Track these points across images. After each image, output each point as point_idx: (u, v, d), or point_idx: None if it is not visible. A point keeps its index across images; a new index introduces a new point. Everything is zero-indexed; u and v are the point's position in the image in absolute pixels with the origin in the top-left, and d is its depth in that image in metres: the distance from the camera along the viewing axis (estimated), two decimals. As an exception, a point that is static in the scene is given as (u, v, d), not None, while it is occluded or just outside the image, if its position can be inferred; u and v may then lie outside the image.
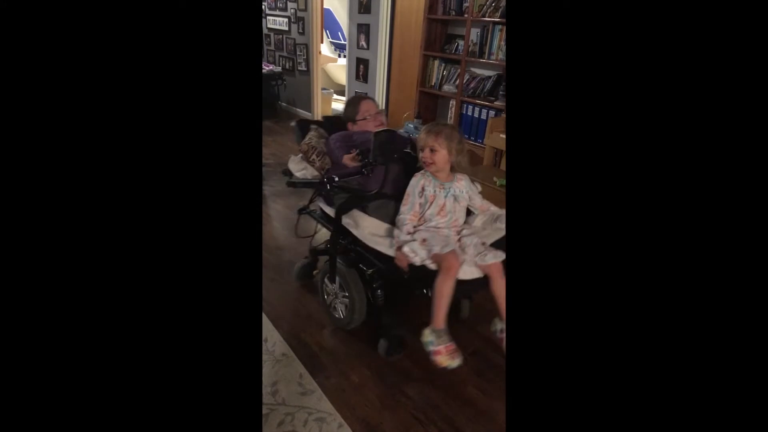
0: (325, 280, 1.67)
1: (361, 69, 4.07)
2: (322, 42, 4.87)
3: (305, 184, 1.64)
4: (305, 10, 4.48)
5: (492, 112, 2.92)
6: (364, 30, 3.89)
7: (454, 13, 3.04)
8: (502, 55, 2.80)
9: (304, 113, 5.02)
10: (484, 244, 1.37)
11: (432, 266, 1.29)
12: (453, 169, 1.47)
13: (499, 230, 1.46)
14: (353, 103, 1.78)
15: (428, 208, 1.44)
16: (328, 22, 6.11)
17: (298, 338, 1.60)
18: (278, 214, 2.65)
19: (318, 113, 4.90)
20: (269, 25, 5.12)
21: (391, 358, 1.53)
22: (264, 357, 1.49)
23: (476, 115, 3.04)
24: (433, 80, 3.34)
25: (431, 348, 1.28)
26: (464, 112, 3.11)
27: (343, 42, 5.62)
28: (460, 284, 1.28)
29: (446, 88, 3.23)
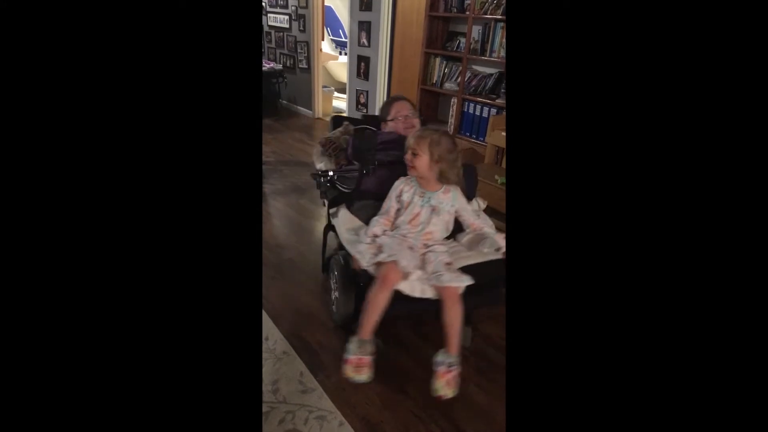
0: (328, 273, 1.69)
1: (362, 66, 4.05)
2: (323, 39, 4.87)
3: (322, 176, 1.65)
4: (306, 7, 4.47)
5: (494, 110, 2.91)
6: (365, 27, 3.87)
7: (455, 10, 3.03)
8: (503, 53, 2.79)
9: (304, 111, 5.02)
10: (448, 264, 1.28)
11: (373, 272, 1.25)
12: (442, 179, 1.37)
13: (481, 255, 1.35)
14: (388, 104, 1.79)
15: (402, 214, 1.38)
16: (329, 19, 6.10)
17: (298, 336, 1.60)
18: (279, 212, 2.65)
19: (319, 111, 4.89)
20: (270, 23, 5.10)
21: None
22: (265, 355, 1.49)
23: (478, 113, 3.03)
24: (435, 78, 3.33)
25: (346, 356, 1.26)
26: (466, 110, 3.10)
27: (344, 39, 5.61)
28: (407, 301, 1.24)
29: (448, 85, 3.22)
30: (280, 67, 4.97)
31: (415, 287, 1.25)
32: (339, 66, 5.75)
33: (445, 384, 1.25)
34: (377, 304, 1.22)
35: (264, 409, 1.28)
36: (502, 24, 2.76)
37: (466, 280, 1.23)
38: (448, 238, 1.45)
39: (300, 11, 4.58)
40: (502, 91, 2.87)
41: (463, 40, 3.04)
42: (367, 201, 1.52)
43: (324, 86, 4.97)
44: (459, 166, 1.38)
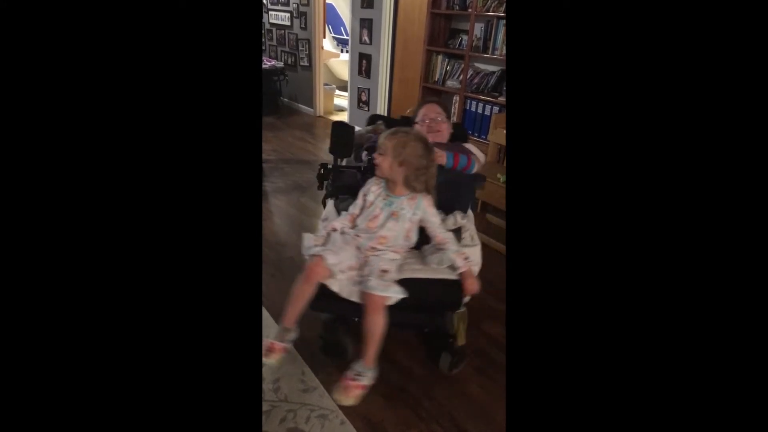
0: None
1: (363, 64, 4.04)
2: (324, 37, 4.85)
3: (322, 168, 1.65)
4: (307, 5, 4.46)
5: (496, 108, 2.90)
6: (366, 25, 3.86)
7: (457, 7, 3.02)
8: (506, 51, 2.78)
9: (305, 109, 5.01)
10: (384, 271, 1.21)
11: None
12: (407, 185, 1.28)
13: (430, 270, 1.27)
14: (419, 106, 1.77)
15: (363, 213, 1.34)
16: (331, 17, 6.08)
17: (299, 335, 1.59)
18: (279, 210, 2.65)
19: (320, 109, 4.88)
20: (271, 20, 5.10)
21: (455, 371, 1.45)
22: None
23: (480, 110, 3.02)
24: (437, 76, 3.32)
25: (268, 340, 1.25)
26: (468, 108, 3.09)
27: (345, 37, 5.59)
28: (336, 300, 1.23)
29: (450, 83, 3.21)
30: (281, 64, 4.96)
31: (343, 287, 1.24)
32: (340, 64, 5.74)
33: (342, 390, 1.20)
34: (299, 295, 1.24)
35: (265, 407, 1.28)
36: (504, 21, 2.74)
37: (395, 293, 1.18)
38: (417, 248, 1.37)
39: (301, 9, 4.56)
40: (505, 89, 2.86)
41: (465, 37, 3.03)
42: (350, 196, 1.50)
43: (325, 84, 4.96)
44: (431, 174, 1.29)
